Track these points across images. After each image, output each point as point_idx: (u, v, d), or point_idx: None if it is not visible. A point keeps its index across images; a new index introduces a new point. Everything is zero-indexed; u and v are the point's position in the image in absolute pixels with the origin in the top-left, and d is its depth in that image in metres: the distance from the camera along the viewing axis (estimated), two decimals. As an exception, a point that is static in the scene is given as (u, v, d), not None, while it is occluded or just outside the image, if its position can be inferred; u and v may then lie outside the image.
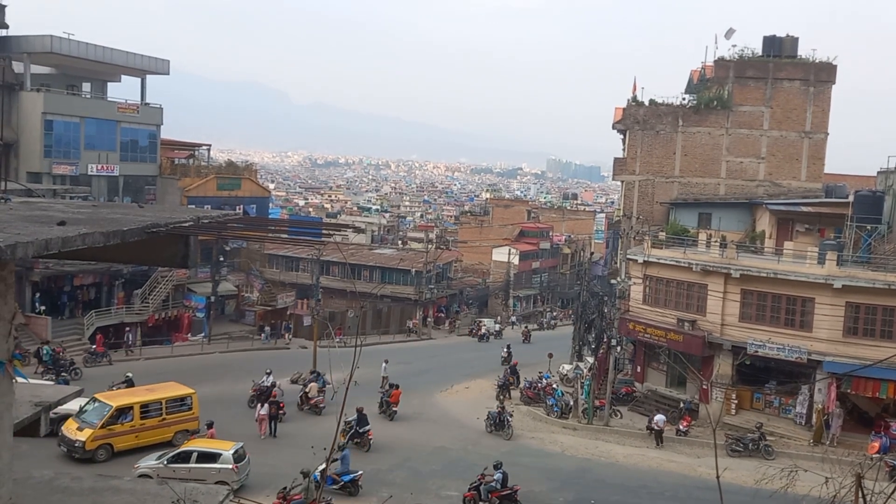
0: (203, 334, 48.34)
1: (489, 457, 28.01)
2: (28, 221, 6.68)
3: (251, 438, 26.98)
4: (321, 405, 32.17)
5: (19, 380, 8.03)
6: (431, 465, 26.74)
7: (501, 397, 36.90)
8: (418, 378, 40.92)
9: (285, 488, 20.69)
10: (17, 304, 8.14)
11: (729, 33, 45.04)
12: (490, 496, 22.05)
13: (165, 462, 22.62)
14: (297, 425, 30.74)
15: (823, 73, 43.12)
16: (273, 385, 32.00)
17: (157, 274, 46.44)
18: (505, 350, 45.83)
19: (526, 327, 64.58)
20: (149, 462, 22.96)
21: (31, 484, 8.75)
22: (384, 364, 38.09)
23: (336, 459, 23.26)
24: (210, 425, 26.12)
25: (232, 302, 54.15)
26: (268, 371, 33.37)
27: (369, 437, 27.98)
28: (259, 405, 29.86)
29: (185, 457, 22.92)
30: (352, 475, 23.18)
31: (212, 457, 22.88)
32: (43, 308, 41.94)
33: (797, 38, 44.18)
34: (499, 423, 31.12)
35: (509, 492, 22.29)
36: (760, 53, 43.88)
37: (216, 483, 18.85)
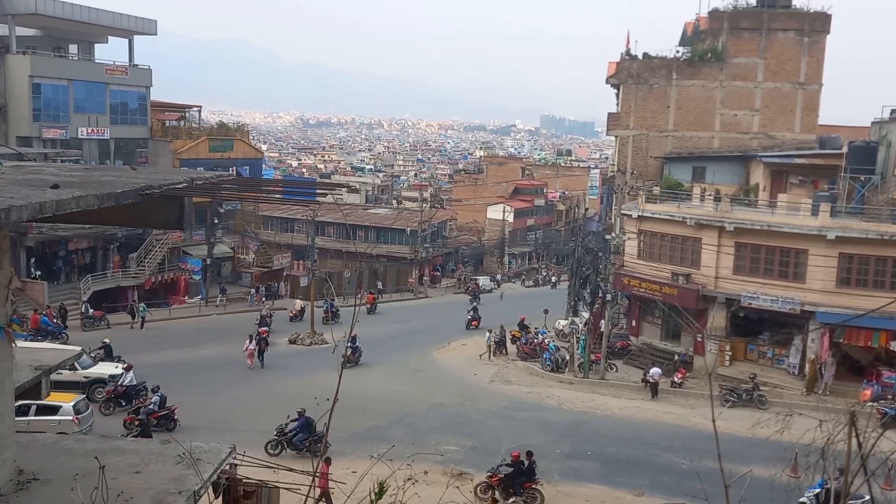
0: (200, 296, 48.46)
1: (487, 412, 28.44)
2: (21, 185, 6.66)
3: (252, 392, 27.93)
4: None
5: (19, 342, 8.08)
6: (430, 420, 27.07)
7: (497, 353, 37.24)
8: (415, 336, 41.31)
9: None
10: (13, 269, 8.13)
11: (723, -17, 44.46)
12: (149, 417, 24.40)
13: None
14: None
15: (818, 23, 42.75)
16: (136, 385, 27.36)
17: (153, 237, 46.35)
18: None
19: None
20: None
21: (35, 446, 8.87)
22: (488, 334, 37.45)
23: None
24: None
25: (228, 264, 54.18)
26: (127, 366, 27.95)
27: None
28: (248, 341, 33.27)
29: (24, 410, 22.05)
30: None
31: (51, 409, 22.69)
32: (38, 273, 41.95)
33: (792, -12, 43.73)
34: None
35: (167, 412, 24.83)
36: (755, 3, 43.43)
37: (57, 434, 18.76)
